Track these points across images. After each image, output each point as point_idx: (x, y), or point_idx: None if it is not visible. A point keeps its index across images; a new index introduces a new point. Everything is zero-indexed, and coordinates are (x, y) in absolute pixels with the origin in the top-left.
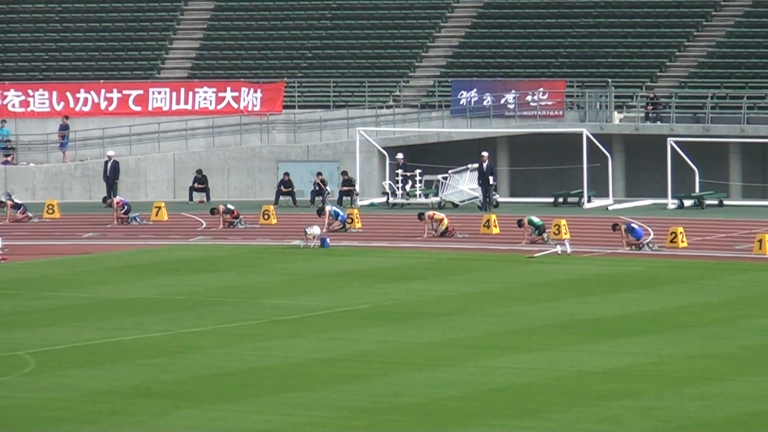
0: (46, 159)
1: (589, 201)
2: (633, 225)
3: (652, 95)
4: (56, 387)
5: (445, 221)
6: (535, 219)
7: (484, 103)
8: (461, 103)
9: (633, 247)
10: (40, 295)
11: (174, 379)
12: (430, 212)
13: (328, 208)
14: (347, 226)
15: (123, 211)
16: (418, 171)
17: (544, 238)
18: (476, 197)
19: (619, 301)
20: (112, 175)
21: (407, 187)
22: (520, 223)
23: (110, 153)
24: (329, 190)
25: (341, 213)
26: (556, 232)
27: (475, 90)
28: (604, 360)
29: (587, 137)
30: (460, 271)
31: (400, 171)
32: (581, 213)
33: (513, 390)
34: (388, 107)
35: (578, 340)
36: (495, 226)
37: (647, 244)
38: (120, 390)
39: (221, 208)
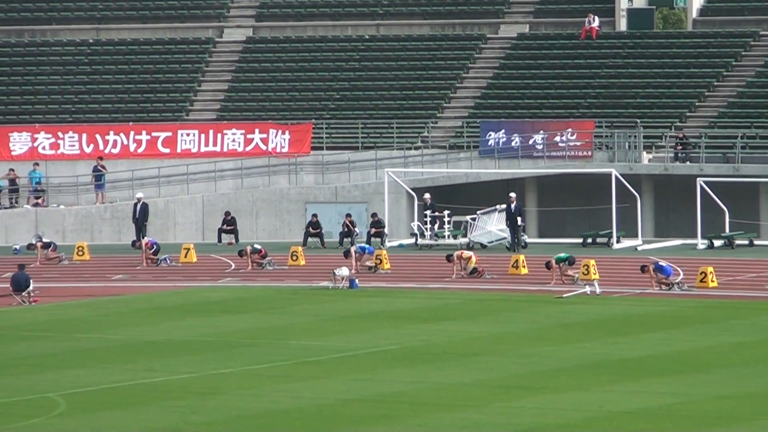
0: (76, 201)
1: (618, 241)
2: (661, 263)
3: (681, 135)
4: (86, 429)
5: (473, 259)
6: (561, 255)
7: (513, 143)
8: (489, 143)
9: (663, 286)
10: (70, 337)
11: (203, 420)
12: (458, 251)
13: (353, 248)
14: (377, 265)
15: (152, 252)
16: (446, 212)
17: (573, 277)
18: (504, 238)
19: (648, 341)
20: (141, 217)
21: (436, 228)
22: (548, 265)
23: (139, 195)
24: (358, 231)
25: (367, 246)
26: (585, 272)
27: (503, 131)
28: (633, 400)
29: (616, 177)
30: (488, 311)
31: (428, 212)
32: (610, 253)
33: (541, 430)
34: (416, 148)
35: (607, 381)
36: (523, 266)
37: (677, 284)
38: None
39: (248, 248)
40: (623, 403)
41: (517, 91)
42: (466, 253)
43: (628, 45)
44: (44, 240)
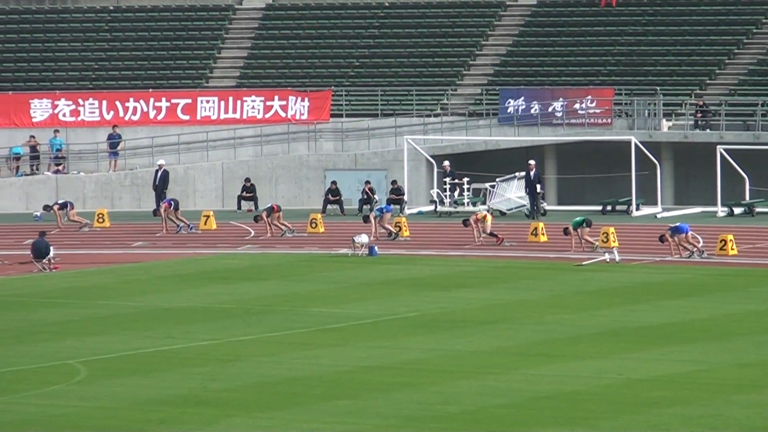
0: (96, 168)
1: (637, 209)
2: (675, 225)
3: (701, 103)
4: (106, 396)
5: (488, 218)
6: (577, 219)
7: (532, 111)
8: (509, 111)
9: (684, 251)
10: (90, 304)
11: (222, 387)
12: (473, 216)
13: (372, 214)
14: (397, 233)
15: (173, 208)
16: (465, 179)
17: (593, 244)
18: (524, 205)
19: (667, 308)
20: (161, 185)
21: (455, 196)
22: (566, 231)
23: (160, 162)
24: (377, 198)
25: (385, 206)
26: (605, 239)
27: (522, 98)
28: (652, 368)
29: (635, 145)
30: (507, 279)
31: (447, 179)
32: (630, 221)
33: (561, 398)
34: (435, 116)
35: (626, 348)
36: (543, 234)
37: (698, 250)
38: (169, 399)
39: (263, 214)
40: (643, 371)
41: (537, 58)
42: (481, 213)
43: (648, 12)
44: (59, 202)
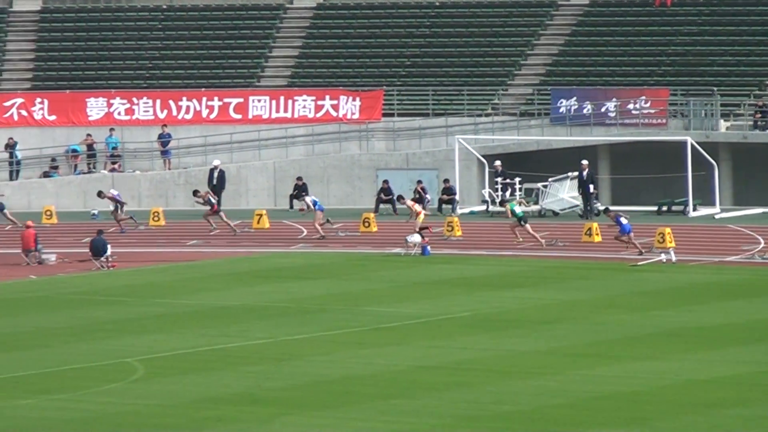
0: (151, 167)
1: (694, 209)
2: (621, 218)
3: (760, 103)
4: (163, 394)
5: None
6: (518, 209)
7: (584, 111)
8: (561, 111)
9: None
10: (146, 302)
11: (278, 386)
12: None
13: (308, 199)
14: (447, 234)
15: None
16: (517, 179)
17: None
18: (577, 205)
19: (726, 309)
20: (219, 185)
21: (506, 195)
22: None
23: (216, 162)
24: (429, 198)
25: (318, 201)
26: (661, 240)
27: (574, 98)
28: (711, 369)
29: (692, 145)
30: (561, 279)
31: (499, 179)
32: (687, 222)
33: (618, 398)
34: (486, 115)
35: (685, 349)
36: (597, 234)
37: (757, 252)
38: (225, 397)
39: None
40: (702, 372)
41: (589, 58)
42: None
43: (704, 12)
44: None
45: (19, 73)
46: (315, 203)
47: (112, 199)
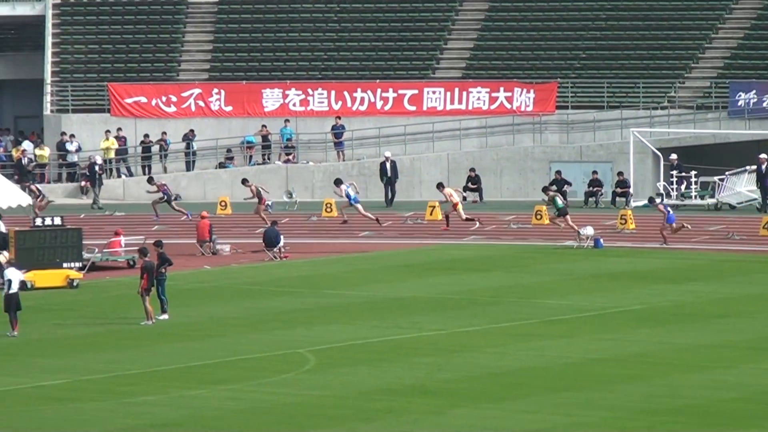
0: (325, 158)
1: None
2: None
3: None
4: (334, 384)
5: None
6: (559, 201)
7: (764, 104)
8: (739, 104)
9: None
10: (319, 293)
11: (449, 377)
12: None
13: (343, 186)
14: (620, 227)
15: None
16: (693, 172)
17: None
18: (755, 199)
19: None
20: (393, 175)
21: (682, 189)
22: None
23: (387, 154)
24: (603, 191)
25: (352, 194)
26: None
27: (754, 91)
28: None
29: None
30: (737, 272)
31: (674, 172)
32: None
33: None
34: (662, 108)
35: None
36: None
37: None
38: (396, 388)
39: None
40: None
41: None
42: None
43: None
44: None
45: (196, 63)
46: (349, 197)
47: (160, 188)
